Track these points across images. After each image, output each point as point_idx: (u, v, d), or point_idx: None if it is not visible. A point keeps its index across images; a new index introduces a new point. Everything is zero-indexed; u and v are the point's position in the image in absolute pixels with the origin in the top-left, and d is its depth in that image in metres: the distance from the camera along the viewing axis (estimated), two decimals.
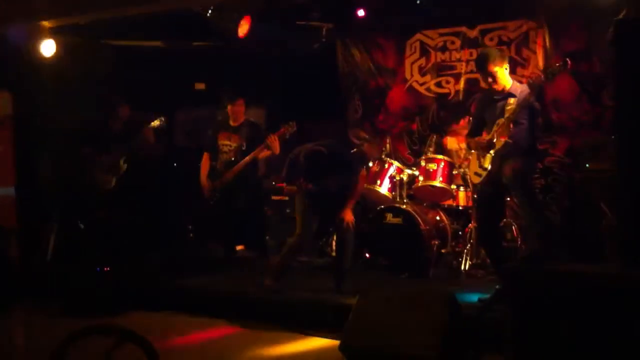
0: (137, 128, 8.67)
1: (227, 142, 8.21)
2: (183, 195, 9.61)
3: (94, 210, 8.51)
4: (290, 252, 7.28)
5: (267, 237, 9.27)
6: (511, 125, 6.16)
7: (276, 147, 7.87)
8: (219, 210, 8.24)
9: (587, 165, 7.77)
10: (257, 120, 8.89)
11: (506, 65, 6.33)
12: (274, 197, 9.43)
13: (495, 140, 6.25)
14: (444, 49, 9.18)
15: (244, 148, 8.07)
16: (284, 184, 8.19)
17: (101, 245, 8.35)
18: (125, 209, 8.67)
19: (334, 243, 8.06)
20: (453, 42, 9.10)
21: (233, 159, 8.08)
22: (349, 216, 7.08)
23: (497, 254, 6.61)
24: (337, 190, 7.14)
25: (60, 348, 3.74)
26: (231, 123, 8.25)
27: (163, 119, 8.60)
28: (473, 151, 6.71)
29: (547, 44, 8.37)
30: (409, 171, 8.12)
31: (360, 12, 9.05)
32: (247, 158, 7.99)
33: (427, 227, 7.63)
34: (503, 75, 6.29)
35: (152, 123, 8.53)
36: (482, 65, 6.32)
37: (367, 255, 8.00)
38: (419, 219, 7.60)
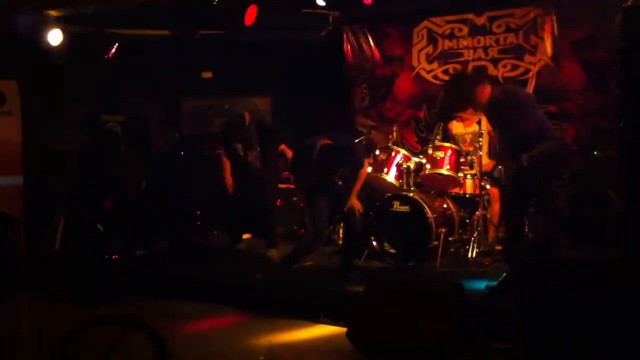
0: None
1: (241, 146, 8.41)
2: (190, 183, 9.62)
3: (102, 198, 8.57)
4: (306, 251, 7.33)
5: (275, 226, 9.27)
6: (492, 134, 6.14)
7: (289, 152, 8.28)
8: (232, 200, 8.41)
9: (594, 152, 7.75)
10: (263, 108, 8.97)
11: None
12: (280, 186, 9.42)
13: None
14: (451, 36, 9.14)
15: (257, 149, 8.37)
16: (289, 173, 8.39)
17: (109, 233, 8.40)
18: (132, 197, 8.70)
19: (341, 231, 8.07)
20: (460, 30, 9.06)
21: (250, 160, 8.36)
22: (356, 204, 7.08)
23: (518, 241, 6.54)
24: (343, 180, 7.14)
25: (66, 338, 3.76)
26: (240, 128, 8.41)
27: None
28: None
29: (555, 30, 8.34)
30: (416, 159, 8.09)
31: None
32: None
33: (434, 215, 7.62)
34: (482, 94, 6.11)
35: None
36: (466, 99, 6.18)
37: (374, 243, 8.00)
38: (426, 207, 7.58)
